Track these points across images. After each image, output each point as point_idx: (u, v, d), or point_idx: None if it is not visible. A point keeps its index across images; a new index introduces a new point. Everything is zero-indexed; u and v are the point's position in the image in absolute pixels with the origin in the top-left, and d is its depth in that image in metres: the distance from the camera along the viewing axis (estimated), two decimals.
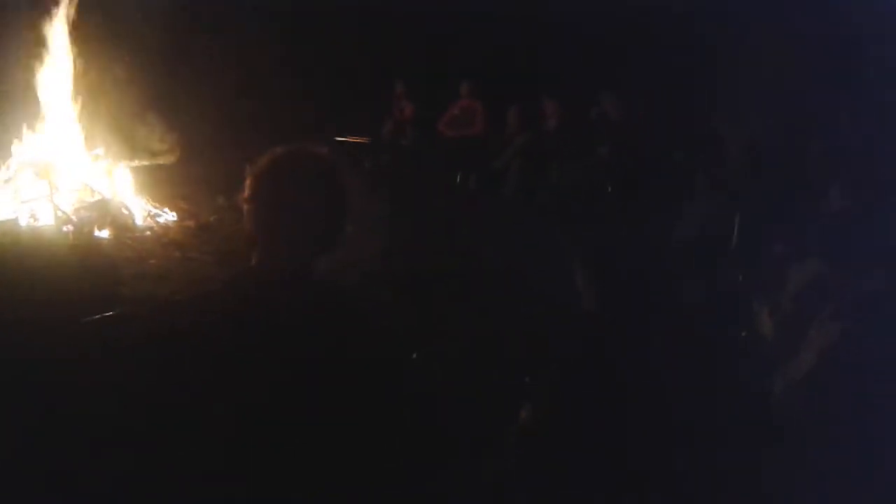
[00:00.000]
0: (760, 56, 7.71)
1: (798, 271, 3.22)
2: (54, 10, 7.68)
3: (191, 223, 7.69)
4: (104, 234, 7.04)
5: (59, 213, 7.07)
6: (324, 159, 1.95)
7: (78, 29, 7.72)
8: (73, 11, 7.69)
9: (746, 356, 3.12)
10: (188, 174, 8.84)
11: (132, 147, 8.09)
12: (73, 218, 7.09)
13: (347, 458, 1.83)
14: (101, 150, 7.95)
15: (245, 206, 1.93)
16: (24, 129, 7.83)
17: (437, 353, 3.92)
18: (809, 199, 4.55)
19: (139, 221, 7.45)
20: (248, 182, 1.92)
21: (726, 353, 3.00)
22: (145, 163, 8.20)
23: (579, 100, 9.27)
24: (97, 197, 7.49)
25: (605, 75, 9.18)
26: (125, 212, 7.46)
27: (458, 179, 10.25)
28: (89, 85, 7.77)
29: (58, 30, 7.71)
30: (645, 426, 2.46)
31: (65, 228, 6.96)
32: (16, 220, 7.10)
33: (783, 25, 7.71)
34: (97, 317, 5.00)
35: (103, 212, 7.24)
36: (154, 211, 7.74)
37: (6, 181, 7.49)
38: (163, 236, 7.25)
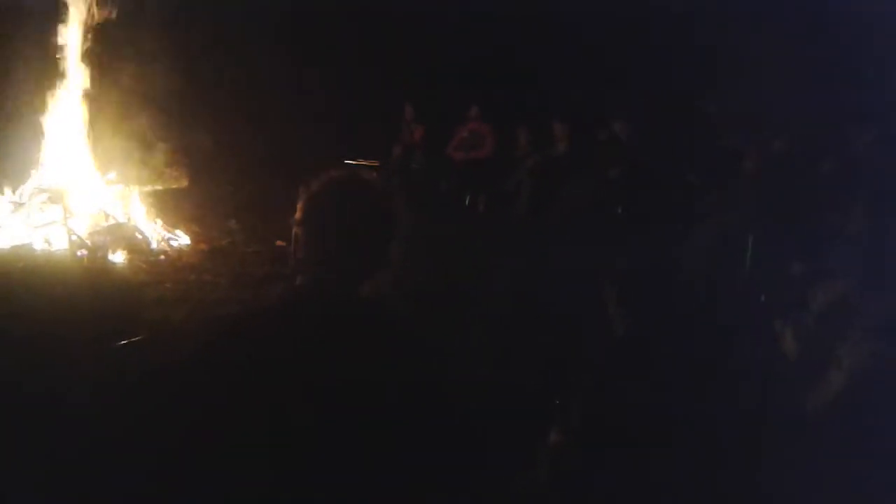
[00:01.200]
0: (776, 69, 7.72)
1: (821, 291, 3.23)
2: (68, 36, 7.77)
3: (204, 246, 7.74)
4: (118, 258, 7.08)
5: (74, 238, 7.12)
6: (373, 184, 2.01)
7: (92, 54, 7.81)
8: (86, 37, 7.78)
9: (772, 376, 3.11)
10: (200, 198, 8.90)
11: (145, 171, 8.14)
12: (88, 242, 7.14)
13: (383, 472, 1.84)
14: (114, 175, 8.01)
15: (296, 230, 1.96)
16: (39, 155, 7.90)
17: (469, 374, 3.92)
18: (830, 216, 4.54)
19: (153, 245, 7.48)
20: (300, 206, 1.95)
21: (751, 374, 3.00)
22: (158, 187, 8.25)
23: (589, 120, 9.30)
24: (111, 221, 7.55)
25: (615, 95, 9.22)
26: (139, 236, 7.51)
27: (468, 201, 10.28)
28: (102, 110, 7.83)
29: (71, 55, 7.79)
30: (672, 445, 2.46)
31: (79, 253, 7.00)
32: (30, 244, 7.15)
33: (800, 37, 7.73)
34: (122, 342, 5.00)
35: (117, 236, 7.30)
36: (167, 235, 7.77)
37: (21, 206, 7.53)
38: (177, 260, 7.30)
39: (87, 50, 7.84)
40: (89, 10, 7.74)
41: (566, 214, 8.53)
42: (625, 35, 9.38)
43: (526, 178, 9.55)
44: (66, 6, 7.69)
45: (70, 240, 7.09)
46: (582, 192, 8.54)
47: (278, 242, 7.53)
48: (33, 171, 7.88)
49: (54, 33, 7.78)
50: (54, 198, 7.48)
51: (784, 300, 3.64)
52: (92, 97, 7.92)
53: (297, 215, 1.95)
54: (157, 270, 6.95)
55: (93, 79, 7.90)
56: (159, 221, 7.94)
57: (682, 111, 8.39)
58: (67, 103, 7.91)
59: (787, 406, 2.99)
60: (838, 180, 4.82)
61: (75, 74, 7.88)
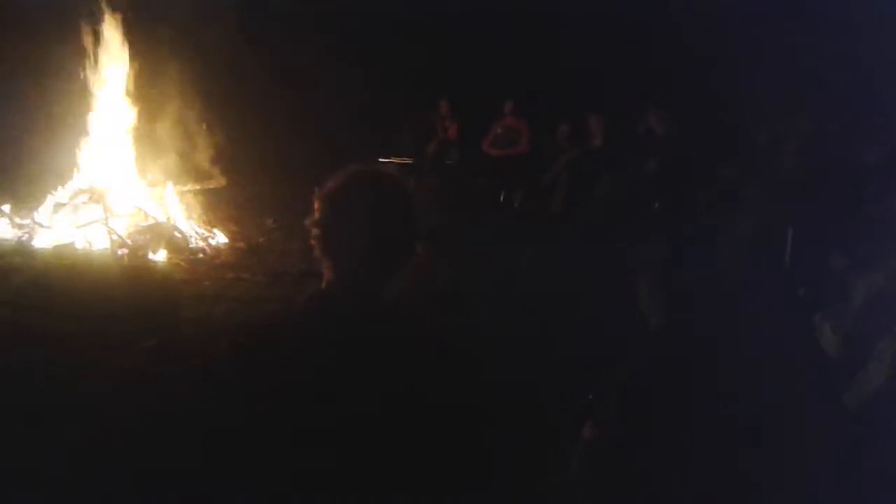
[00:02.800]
0: (812, 64, 7.61)
1: (861, 285, 3.17)
2: (109, 37, 7.89)
3: (242, 245, 7.81)
4: (158, 256, 7.18)
5: (114, 237, 7.23)
6: (391, 179, 1.91)
7: (132, 55, 7.92)
8: (127, 37, 7.90)
9: (812, 370, 3.07)
10: (238, 197, 9.00)
11: (184, 171, 8.25)
12: (128, 241, 7.25)
13: (415, 470, 1.83)
14: (153, 175, 8.12)
15: (314, 230, 1.89)
16: (80, 155, 8.05)
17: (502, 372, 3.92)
18: (868, 209, 4.46)
19: (192, 244, 7.57)
20: (316, 205, 1.88)
21: (789, 367, 2.96)
22: (197, 187, 8.35)
23: (625, 115, 9.23)
24: (151, 221, 7.65)
25: (651, 89, 9.14)
26: (178, 235, 7.60)
27: (503, 198, 10.26)
28: (143, 111, 7.95)
29: (112, 56, 7.91)
30: (708, 440, 2.43)
31: (120, 252, 7.11)
32: (73, 244, 7.29)
33: (839, 30, 7.61)
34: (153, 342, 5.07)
35: (157, 235, 7.39)
36: (206, 233, 7.86)
37: (63, 206, 7.68)
38: (215, 258, 7.37)
39: (127, 51, 7.97)
40: (129, 11, 7.86)
41: (602, 209, 8.48)
42: (660, 29, 9.29)
43: (561, 174, 9.51)
44: (106, 8, 7.81)
45: (111, 239, 7.21)
46: (618, 187, 8.49)
47: (314, 241, 7.56)
48: (75, 172, 8.03)
49: (95, 35, 7.92)
50: (95, 198, 7.61)
51: (824, 293, 3.59)
52: (132, 98, 8.05)
53: (315, 215, 1.87)
54: (196, 269, 7.03)
55: (133, 80, 8.02)
56: (198, 220, 8.03)
57: (719, 104, 8.30)
58: (108, 104, 8.04)
59: (829, 400, 2.94)
60: (878, 172, 4.74)
61: (116, 76, 8.00)
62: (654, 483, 2.41)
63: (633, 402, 2.58)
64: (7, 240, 7.41)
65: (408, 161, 10.66)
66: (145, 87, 8.00)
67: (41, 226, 7.54)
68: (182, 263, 7.12)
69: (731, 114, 8.17)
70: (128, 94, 8.02)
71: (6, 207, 7.74)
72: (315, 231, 1.88)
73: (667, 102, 8.76)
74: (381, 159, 10.22)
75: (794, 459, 2.62)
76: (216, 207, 8.49)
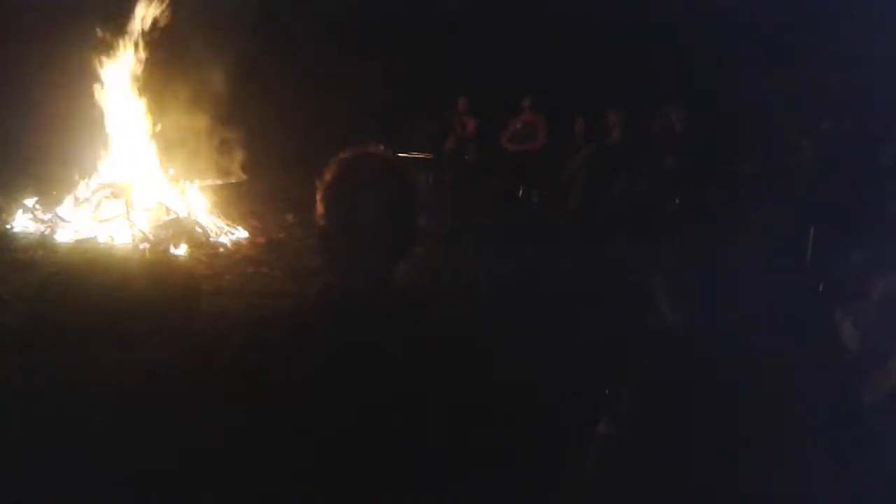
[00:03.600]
0: (830, 63, 7.56)
1: (881, 280, 3.15)
2: (129, 33, 7.96)
3: (262, 240, 7.86)
4: (179, 251, 7.24)
5: (136, 232, 7.30)
6: (389, 162, 1.90)
7: (154, 53, 7.99)
8: (147, 34, 7.96)
9: (831, 366, 3.05)
10: (258, 193, 9.05)
11: (205, 167, 8.31)
12: (150, 236, 7.32)
13: (424, 468, 1.84)
14: (175, 171, 8.19)
15: (319, 220, 1.87)
16: (102, 151, 8.13)
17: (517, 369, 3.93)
18: (886, 207, 4.44)
19: (212, 239, 7.62)
20: (319, 195, 1.87)
21: (809, 363, 2.94)
22: (217, 182, 8.40)
23: (644, 110, 9.20)
24: (172, 216, 7.72)
25: (669, 85, 9.11)
26: (199, 230, 7.66)
27: (521, 193, 10.26)
28: (164, 107, 8.01)
29: (134, 54, 7.99)
30: (725, 437, 2.43)
31: (141, 246, 7.18)
32: (95, 238, 7.36)
33: (858, 30, 7.55)
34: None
35: (178, 230, 7.46)
36: (226, 228, 7.91)
37: (85, 201, 7.76)
38: (235, 253, 7.42)
39: (150, 48, 8.04)
40: (153, 8, 7.93)
41: (620, 206, 8.47)
42: (678, 25, 9.26)
43: (579, 171, 9.50)
44: (129, 5, 7.88)
45: (132, 234, 7.28)
46: (636, 184, 8.47)
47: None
48: (97, 167, 8.11)
49: (119, 31, 7.99)
50: (117, 193, 7.69)
51: (842, 290, 3.57)
52: (153, 95, 8.11)
53: (318, 206, 1.85)
54: (216, 263, 7.08)
55: (155, 77, 8.08)
56: (218, 216, 8.09)
57: (738, 101, 8.26)
58: (130, 101, 8.12)
59: (849, 398, 2.93)
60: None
61: (138, 72, 8.07)
62: (668, 482, 2.42)
63: (649, 401, 2.58)
64: (30, 234, 7.50)
65: (426, 157, 10.68)
66: (167, 84, 8.05)
67: (63, 220, 7.62)
68: (203, 258, 7.18)
69: (750, 111, 8.13)
70: (149, 90, 8.09)
71: (29, 202, 7.83)
72: (319, 222, 1.86)
73: (686, 99, 8.74)
74: (399, 154, 10.25)
75: (812, 458, 2.61)
76: (237, 203, 8.55)
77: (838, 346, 3.21)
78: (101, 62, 7.97)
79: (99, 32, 7.90)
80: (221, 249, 7.47)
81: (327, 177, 1.86)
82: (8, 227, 7.58)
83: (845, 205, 5.09)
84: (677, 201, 7.61)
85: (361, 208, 1.83)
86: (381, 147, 1.95)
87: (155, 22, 8.01)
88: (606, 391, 2.79)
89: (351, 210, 1.84)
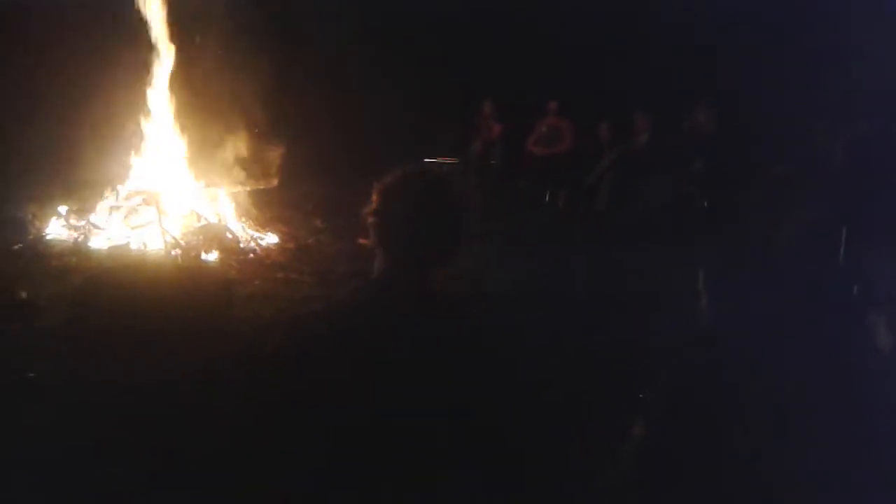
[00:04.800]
0: (860, 57, 7.48)
1: None
2: (160, 41, 8.06)
3: (291, 245, 7.92)
4: (210, 257, 7.32)
5: (168, 238, 7.39)
6: (445, 179, 2.02)
7: (183, 61, 8.08)
8: (178, 43, 8.06)
9: (865, 369, 3.03)
10: (287, 199, 9.12)
11: (235, 173, 8.38)
12: (181, 242, 7.41)
13: (466, 467, 1.87)
14: (205, 177, 8.27)
15: (369, 220, 2.01)
16: (134, 158, 8.23)
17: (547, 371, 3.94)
18: None
19: (243, 244, 7.69)
20: (373, 197, 2.01)
21: (844, 366, 2.93)
22: (247, 188, 8.48)
23: (671, 112, 9.16)
24: (203, 222, 7.81)
25: (697, 85, 9.07)
26: (229, 235, 7.73)
27: (547, 197, 10.25)
28: (195, 114, 8.10)
29: (164, 62, 8.08)
30: (760, 442, 2.42)
31: (173, 252, 7.27)
32: (127, 245, 7.46)
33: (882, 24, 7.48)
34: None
35: (209, 236, 7.54)
36: (256, 234, 7.98)
37: (118, 208, 7.86)
38: (265, 258, 7.49)
39: (178, 56, 8.13)
40: (182, 16, 8.03)
41: (648, 209, 8.43)
42: (708, 26, 9.21)
43: (606, 173, 9.47)
44: (159, 12, 7.98)
45: (165, 240, 7.37)
46: (665, 187, 8.43)
47: (361, 241, 7.63)
48: (129, 175, 8.21)
49: (148, 38, 8.09)
50: (149, 200, 7.79)
51: (877, 292, 3.54)
52: (184, 103, 8.21)
53: (372, 207, 1.98)
54: (247, 269, 7.15)
55: (185, 84, 8.17)
56: (249, 221, 8.16)
57: (766, 102, 8.20)
58: (161, 109, 8.22)
59: (886, 401, 2.91)
60: None
61: (169, 79, 8.17)
62: (703, 484, 2.41)
63: (684, 403, 2.58)
64: (63, 241, 7.60)
65: (452, 161, 10.70)
66: (197, 92, 8.14)
67: (96, 227, 7.73)
68: (234, 263, 7.25)
69: (779, 112, 8.07)
70: (180, 98, 8.19)
71: (62, 209, 7.95)
72: (370, 220, 2.00)
73: (714, 99, 8.69)
74: (426, 159, 10.28)
75: (847, 458, 2.59)
76: (266, 209, 8.63)
77: (873, 348, 3.19)
78: (132, 71, 8.08)
79: (129, 43, 8.02)
80: (252, 255, 7.54)
81: (385, 184, 2.00)
82: (42, 234, 7.69)
83: (879, 206, 5.04)
84: (706, 204, 7.57)
85: (413, 214, 1.96)
86: (440, 165, 2.08)
87: (184, 33, 8.11)
88: (641, 395, 2.79)
89: (403, 214, 1.96)
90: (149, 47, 8.12)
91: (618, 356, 4.53)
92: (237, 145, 8.31)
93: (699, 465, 2.42)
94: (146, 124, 8.23)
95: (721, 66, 9.06)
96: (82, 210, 7.98)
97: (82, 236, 7.63)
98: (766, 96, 8.42)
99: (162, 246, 7.35)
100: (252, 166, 8.51)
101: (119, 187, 8.15)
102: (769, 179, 6.76)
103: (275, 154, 8.63)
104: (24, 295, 5.90)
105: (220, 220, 7.91)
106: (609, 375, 4.25)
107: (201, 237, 7.49)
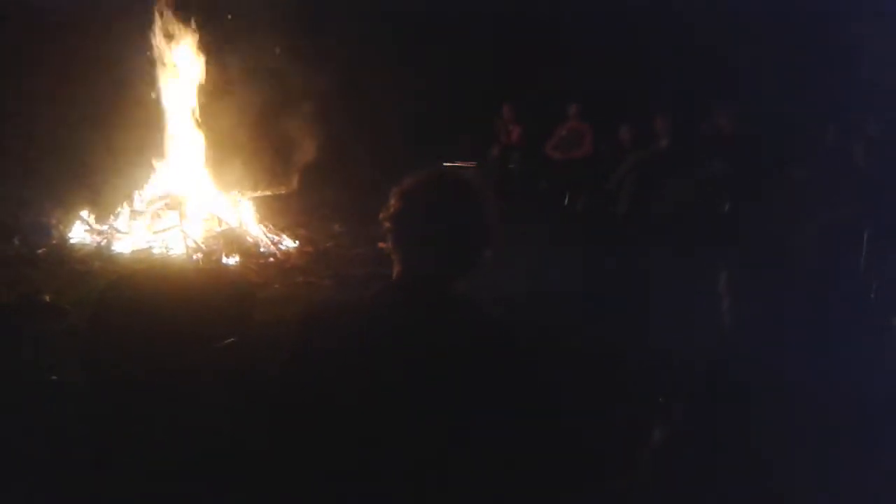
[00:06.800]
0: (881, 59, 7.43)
1: None
2: (183, 46, 8.14)
3: (310, 249, 7.96)
4: (231, 261, 7.37)
5: (189, 243, 7.45)
6: (466, 182, 2.00)
7: (205, 65, 8.15)
8: (200, 48, 8.13)
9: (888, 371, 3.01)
10: (306, 203, 9.17)
11: (255, 178, 8.44)
12: (202, 246, 7.46)
13: (482, 473, 1.86)
14: (226, 182, 8.34)
15: (387, 224, 1.99)
16: (156, 164, 8.31)
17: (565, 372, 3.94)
18: None
19: (263, 249, 7.74)
20: (392, 201, 1.98)
21: (867, 365, 2.91)
22: (267, 193, 8.54)
23: (691, 115, 9.12)
24: (224, 226, 7.87)
25: (717, 88, 9.02)
26: (249, 240, 7.79)
27: (567, 201, 10.22)
28: (216, 120, 8.17)
29: (186, 67, 8.15)
30: (781, 445, 2.41)
31: (195, 256, 7.34)
32: (150, 249, 7.53)
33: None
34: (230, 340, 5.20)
35: (230, 240, 7.60)
36: (276, 238, 8.03)
37: (140, 213, 7.94)
38: (285, 262, 7.52)
39: (201, 61, 8.21)
40: (202, 23, 8.10)
41: (670, 212, 8.39)
42: (725, 29, 9.17)
43: (627, 176, 9.43)
44: (182, 18, 8.06)
45: (186, 244, 7.44)
46: (686, 190, 8.39)
47: (380, 244, 7.66)
48: (151, 180, 8.29)
49: (169, 46, 8.17)
50: (171, 205, 7.87)
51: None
52: (205, 109, 8.28)
53: (390, 210, 1.96)
54: (267, 272, 7.18)
55: (206, 91, 8.25)
56: (268, 226, 8.22)
57: (785, 105, 8.15)
58: (182, 115, 8.30)
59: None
60: None
61: (189, 87, 8.24)
62: (723, 486, 2.40)
63: (704, 405, 2.57)
64: (87, 245, 7.69)
65: (471, 165, 10.70)
66: (218, 98, 8.21)
67: (119, 232, 7.81)
68: (254, 267, 7.29)
69: (802, 115, 8.02)
70: (201, 104, 8.26)
71: (85, 214, 8.04)
72: (387, 225, 1.98)
73: (735, 102, 8.64)
74: (444, 163, 10.28)
75: (868, 465, 2.58)
76: (285, 213, 8.68)
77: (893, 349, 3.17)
78: (154, 78, 8.17)
79: (152, 48, 8.11)
80: (271, 259, 7.58)
81: (403, 187, 1.98)
82: (66, 238, 7.77)
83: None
84: (727, 206, 7.53)
85: (433, 217, 1.93)
86: (462, 169, 2.05)
87: (205, 38, 8.19)
88: (661, 398, 2.79)
89: (422, 218, 1.95)
90: (175, 53, 8.19)
91: (637, 359, 4.52)
92: (257, 152, 8.37)
93: (720, 468, 2.41)
94: (169, 131, 8.31)
95: (742, 68, 9.02)
96: (105, 214, 8.07)
97: (105, 240, 7.71)
98: (787, 99, 8.37)
99: (183, 250, 7.42)
100: (272, 172, 8.57)
101: (142, 192, 8.23)
102: (790, 182, 6.73)
103: (294, 160, 8.68)
104: (48, 298, 5.96)
105: (240, 225, 7.96)
106: (629, 377, 4.24)
107: (222, 241, 7.55)
